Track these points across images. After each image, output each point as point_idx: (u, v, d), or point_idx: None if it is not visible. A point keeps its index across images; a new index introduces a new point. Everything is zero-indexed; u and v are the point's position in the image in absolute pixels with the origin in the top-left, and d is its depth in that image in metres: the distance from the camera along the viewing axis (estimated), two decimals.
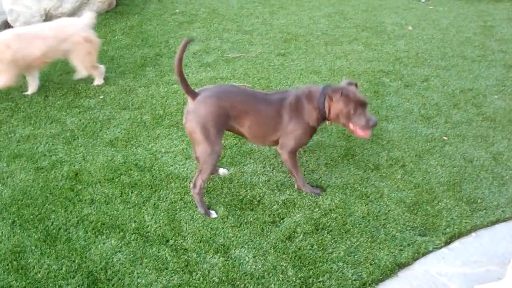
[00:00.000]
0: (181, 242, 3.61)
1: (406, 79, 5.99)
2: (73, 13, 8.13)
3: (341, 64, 6.39)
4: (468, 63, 6.45)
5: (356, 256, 3.48)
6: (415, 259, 3.49)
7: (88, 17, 5.89)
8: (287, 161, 4.00)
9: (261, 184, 4.19)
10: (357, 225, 3.75)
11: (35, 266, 3.46)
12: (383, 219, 3.81)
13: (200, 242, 3.61)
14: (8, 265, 3.48)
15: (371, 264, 3.42)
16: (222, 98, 3.76)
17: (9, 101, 5.74)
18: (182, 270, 3.38)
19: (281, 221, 3.79)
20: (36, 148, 4.77)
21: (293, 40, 7.20)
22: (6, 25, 8.02)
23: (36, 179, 4.34)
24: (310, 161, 4.46)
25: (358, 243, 3.60)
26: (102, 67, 6.05)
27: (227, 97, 3.78)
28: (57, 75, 6.32)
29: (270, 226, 3.75)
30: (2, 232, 3.77)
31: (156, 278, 3.34)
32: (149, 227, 3.77)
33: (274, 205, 3.96)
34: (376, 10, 8.58)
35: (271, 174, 4.31)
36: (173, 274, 3.36)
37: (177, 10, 8.56)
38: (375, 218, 3.83)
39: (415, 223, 3.78)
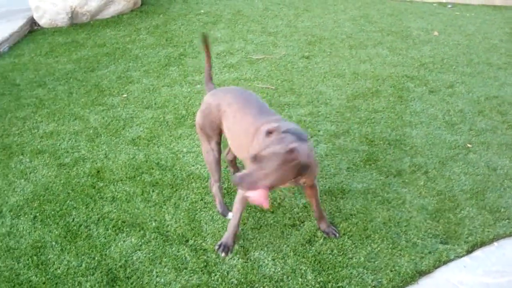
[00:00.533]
0: (201, 243, 3.61)
1: (431, 85, 5.93)
2: (99, 11, 8.20)
3: (365, 68, 6.35)
4: (494, 70, 6.36)
5: (376, 262, 3.45)
6: (436, 267, 3.44)
7: None
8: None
9: (281, 187, 4.17)
10: (378, 231, 3.71)
11: (55, 262, 3.48)
12: (405, 226, 3.77)
13: None
14: (28, 260, 3.51)
15: (391, 271, 3.38)
16: (218, 95, 3.66)
17: (33, 97, 5.80)
18: (201, 271, 3.38)
19: (302, 225, 3.77)
20: (59, 145, 4.81)
21: (317, 43, 7.18)
22: (32, 22, 8.12)
23: (58, 175, 4.38)
24: (331, 165, 4.44)
25: (378, 249, 3.56)
26: None
27: (223, 94, 3.65)
28: (81, 73, 6.37)
29: (290, 229, 3.73)
30: (23, 227, 3.81)
31: (175, 277, 3.34)
32: (169, 226, 3.77)
33: (294, 208, 3.93)
34: (401, 14, 8.52)
35: None
36: (192, 274, 3.35)
37: (202, 11, 8.59)
38: (396, 224, 3.79)
39: (437, 230, 3.74)
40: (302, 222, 3.79)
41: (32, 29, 8.09)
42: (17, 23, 7.87)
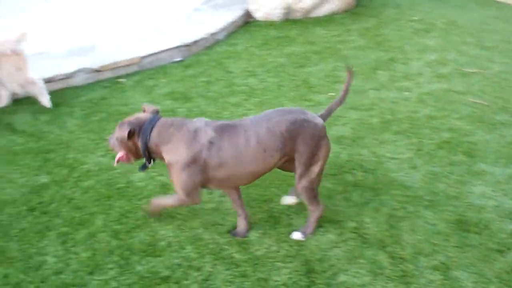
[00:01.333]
0: (399, 251, 3.54)
1: None
2: (313, 8, 8.37)
3: None
4: None
5: None
6: None
7: (18, 35, 5.40)
8: None
9: (489, 209, 3.95)
10: None
11: (256, 244, 3.63)
12: None
13: (419, 255, 3.50)
14: (231, 237, 3.70)
15: None
16: None
17: (244, 85, 6.09)
18: (398, 279, 3.31)
19: (509, 251, 3.54)
20: None
21: None
22: (248, 15, 8.50)
23: None
24: None
25: None
26: (40, 83, 5.62)
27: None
28: (291, 67, 6.56)
29: (495, 255, 3.52)
30: (229, 205, 3.98)
31: (370, 281, 3.31)
32: (368, 229, 3.75)
33: (502, 233, 3.71)
34: None
35: (501, 199, 4.05)
36: (388, 281, 3.30)
37: (415, 17, 8.41)
38: None
39: None
40: (509, 249, 3.56)
41: (247, 20, 8.47)
42: (235, 13, 8.30)
